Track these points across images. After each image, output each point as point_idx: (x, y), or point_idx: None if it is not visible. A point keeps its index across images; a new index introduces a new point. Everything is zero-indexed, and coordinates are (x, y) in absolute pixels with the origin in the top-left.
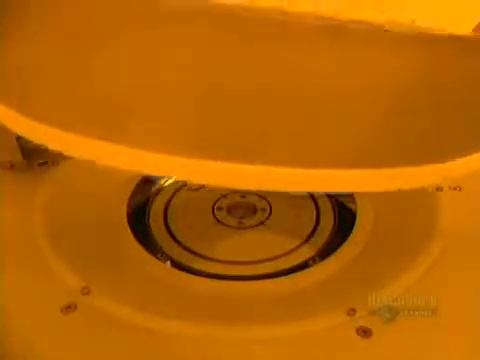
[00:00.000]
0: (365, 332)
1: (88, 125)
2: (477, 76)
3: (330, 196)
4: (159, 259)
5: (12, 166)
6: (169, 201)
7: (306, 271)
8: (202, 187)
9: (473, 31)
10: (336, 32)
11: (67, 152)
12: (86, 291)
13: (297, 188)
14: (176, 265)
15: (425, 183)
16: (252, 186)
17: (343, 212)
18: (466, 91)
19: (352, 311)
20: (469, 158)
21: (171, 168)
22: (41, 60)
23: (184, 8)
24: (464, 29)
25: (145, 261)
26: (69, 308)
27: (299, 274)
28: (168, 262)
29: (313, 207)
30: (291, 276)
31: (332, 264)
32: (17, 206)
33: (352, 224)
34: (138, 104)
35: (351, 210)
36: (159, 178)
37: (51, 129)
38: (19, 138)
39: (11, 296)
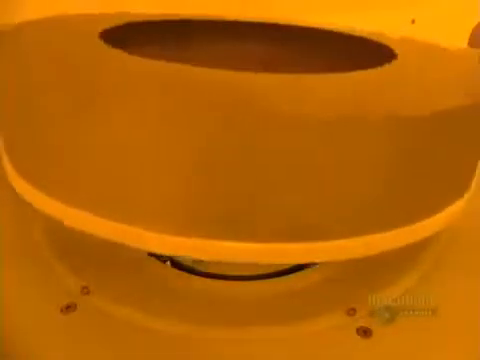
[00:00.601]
0: (365, 332)
1: (88, 200)
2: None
3: None
4: (159, 259)
5: None
6: None
7: (306, 271)
8: None
9: (472, 31)
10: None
11: (58, 218)
12: (86, 291)
13: (297, 260)
14: (176, 265)
15: (418, 238)
16: (254, 260)
17: None
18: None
19: (352, 311)
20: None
21: (172, 247)
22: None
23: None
24: (463, 29)
25: (145, 261)
26: (69, 308)
27: (299, 274)
28: (168, 262)
29: None
30: (291, 276)
31: (332, 264)
32: (17, 206)
33: None
34: (138, 186)
35: None
36: None
37: (46, 197)
38: None
39: (11, 296)
